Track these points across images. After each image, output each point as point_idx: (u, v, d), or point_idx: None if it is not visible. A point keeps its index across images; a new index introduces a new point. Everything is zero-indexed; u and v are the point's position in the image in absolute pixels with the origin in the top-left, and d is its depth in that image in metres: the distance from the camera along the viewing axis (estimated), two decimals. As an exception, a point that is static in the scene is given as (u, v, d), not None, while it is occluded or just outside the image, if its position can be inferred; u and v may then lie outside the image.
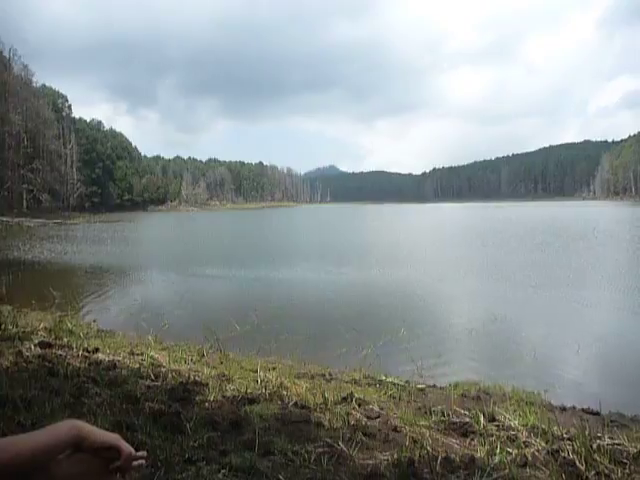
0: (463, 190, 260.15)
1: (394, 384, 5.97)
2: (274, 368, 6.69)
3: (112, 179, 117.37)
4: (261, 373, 5.91)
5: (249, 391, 5.06)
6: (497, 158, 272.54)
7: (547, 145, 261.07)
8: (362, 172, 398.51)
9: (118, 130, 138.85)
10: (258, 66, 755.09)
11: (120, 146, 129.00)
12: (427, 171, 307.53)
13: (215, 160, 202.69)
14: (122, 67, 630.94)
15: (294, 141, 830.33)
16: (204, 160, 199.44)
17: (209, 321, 10.13)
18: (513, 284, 15.10)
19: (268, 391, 5.05)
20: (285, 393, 5.07)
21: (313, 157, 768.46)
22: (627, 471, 3.46)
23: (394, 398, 5.36)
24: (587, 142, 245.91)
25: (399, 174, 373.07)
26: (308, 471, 3.18)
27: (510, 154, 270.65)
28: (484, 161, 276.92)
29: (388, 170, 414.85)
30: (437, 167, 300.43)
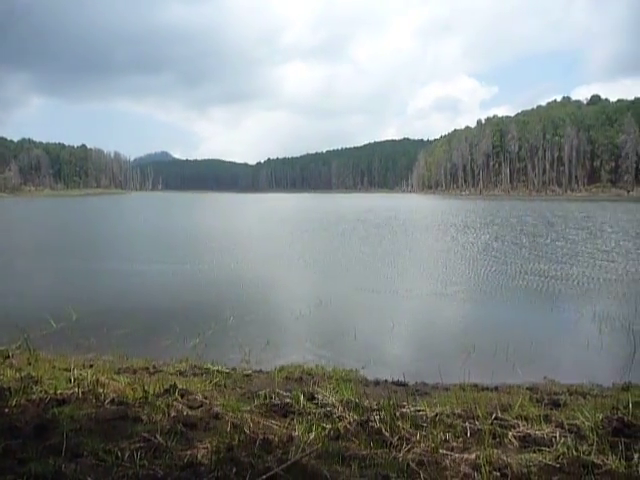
0: (297, 181, 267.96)
1: (220, 372, 5.96)
2: (91, 365, 6.25)
3: None
4: (75, 371, 5.46)
5: (59, 392, 4.65)
6: (328, 151, 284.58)
7: (372, 141, 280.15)
8: (197, 160, 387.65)
9: None
10: (80, 40, 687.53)
11: None
12: (262, 161, 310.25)
13: (30, 141, 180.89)
14: None
15: (122, 124, 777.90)
16: (16, 140, 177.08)
17: (18, 318, 9.12)
18: (335, 270, 16.05)
19: (82, 390, 4.69)
20: (101, 391, 4.75)
21: (143, 142, 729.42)
22: (424, 433, 3.89)
23: (219, 386, 5.35)
24: (406, 140, 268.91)
25: (234, 163, 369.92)
26: (120, 469, 3.02)
27: (340, 148, 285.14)
28: (316, 154, 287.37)
29: (223, 159, 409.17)
30: (272, 158, 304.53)
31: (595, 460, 3.48)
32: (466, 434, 3.98)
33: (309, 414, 4.21)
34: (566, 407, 5.11)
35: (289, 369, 6.51)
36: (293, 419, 4.15)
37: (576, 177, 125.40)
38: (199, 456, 3.21)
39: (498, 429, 4.08)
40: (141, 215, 54.44)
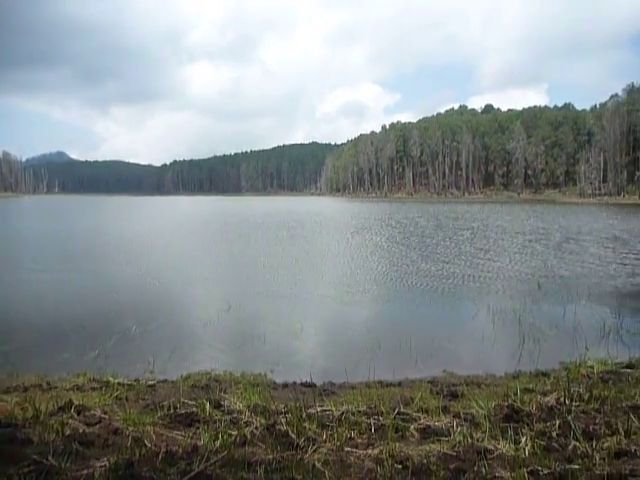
0: (204, 183, 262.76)
1: (122, 384, 5.69)
2: (-25, 386, 5.73)
3: None
4: (-45, 393, 4.99)
5: None
6: (236, 154, 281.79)
7: (281, 144, 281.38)
8: (97, 161, 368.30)
9: None
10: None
11: None
12: (168, 163, 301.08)
13: None
14: None
15: (12, 122, 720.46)
16: None
17: None
18: (242, 275, 15.90)
19: (-38, 414, 4.29)
20: (-14, 413, 4.37)
21: (37, 142, 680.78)
22: (330, 432, 3.96)
23: (120, 399, 5.10)
24: (315, 143, 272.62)
25: (138, 165, 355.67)
26: (6, 497, 2.80)
27: (248, 150, 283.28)
28: (224, 156, 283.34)
29: (127, 160, 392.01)
30: (178, 159, 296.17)
31: (488, 446, 3.73)
32: (370, 430, 4.10)
33: (215, 422, 4.14)
34: (463, 397, 5.42)
35: (196, 377, 6.35)
36: (198, 428, 4.05)
37: (473, 181, 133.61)
38: (96, 475, 3.05)
39: (401, 423, 4.25)
40: (32, 220, 50.72)
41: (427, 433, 4.09)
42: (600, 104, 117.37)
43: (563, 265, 17.68)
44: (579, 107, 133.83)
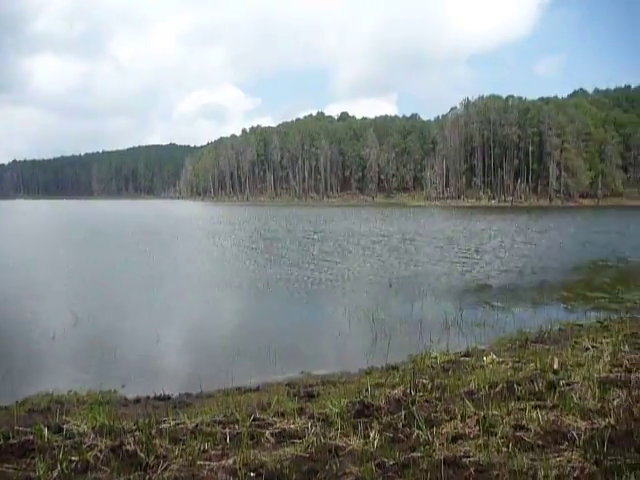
0: (50, 186, 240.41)
1: (-60, 417, 4.96)
2: None
3: None
4: None
5: None
6: (87, 154, 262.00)
7: (137, 145, 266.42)
8: None
9: None
10: None
11: None
12: (6, 163, 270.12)
13: None
14: None
15: None
16: None
17: None
18: (87, 285, 14.83)
19: None
20: None
21: None
22: (183, 447, 3.80)
23: (-63, 434, 4.43)
24: (173, 145, 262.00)
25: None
26: None
27: (100, 151, 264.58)
28: (72, 156, 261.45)
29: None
30: (18, 159, 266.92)
31: (339, 443, 3.85)
32: (225, 440, 4.03)
33: (54, 449, 3.77)
34: (319, 397, 5.56)
35: (34, 400, 5.76)
36: (34, 458, 3.66)
37: (331, 185, 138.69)
38: None
39: (256, 429, 4.23)
40: None
41: (282, 437, 4.12)
42: (442, 115, 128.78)
43: (401, 265, 18.96)
44: (425, 117, 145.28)
